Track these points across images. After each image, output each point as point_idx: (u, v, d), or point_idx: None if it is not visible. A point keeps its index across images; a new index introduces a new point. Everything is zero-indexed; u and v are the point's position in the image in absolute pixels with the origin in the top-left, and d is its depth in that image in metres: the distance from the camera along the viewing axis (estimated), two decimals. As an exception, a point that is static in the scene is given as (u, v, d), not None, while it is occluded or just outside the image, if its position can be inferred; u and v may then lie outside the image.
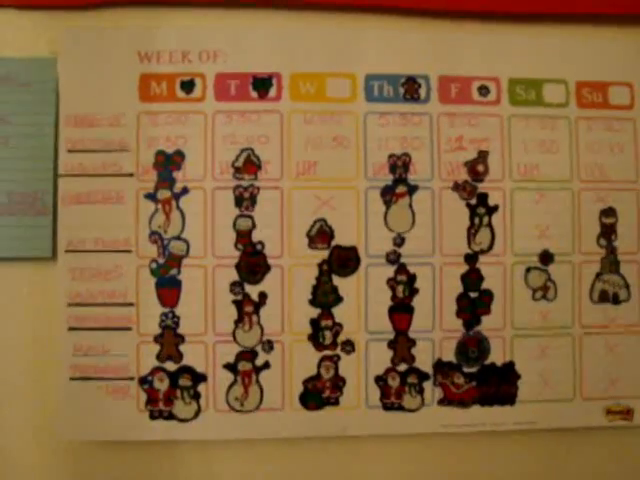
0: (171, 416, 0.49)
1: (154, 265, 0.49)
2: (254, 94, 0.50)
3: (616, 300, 0.51)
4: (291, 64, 0.50)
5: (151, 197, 0.50)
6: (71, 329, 0.48)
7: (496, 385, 0.50)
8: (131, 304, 0.49)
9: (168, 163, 0.50)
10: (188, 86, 0.50)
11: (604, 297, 0.51)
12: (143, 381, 0.49)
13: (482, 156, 0.51)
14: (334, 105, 0.50)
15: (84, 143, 0.49)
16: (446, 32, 0.52)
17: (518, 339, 0.51)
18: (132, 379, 0.49)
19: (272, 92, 0.50)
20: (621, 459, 0.52)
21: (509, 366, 0.51)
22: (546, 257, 0.51)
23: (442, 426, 0.50)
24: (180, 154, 0.50)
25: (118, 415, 0.49)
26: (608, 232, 0.51)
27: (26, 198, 0.49)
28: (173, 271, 0.49)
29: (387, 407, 0.50)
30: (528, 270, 0.51)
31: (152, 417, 0.49)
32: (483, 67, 0.51)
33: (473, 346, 0.50)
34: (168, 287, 0.49)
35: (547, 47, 0.52)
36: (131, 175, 0.49)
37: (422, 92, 0.51)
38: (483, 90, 0.51)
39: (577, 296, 0.51)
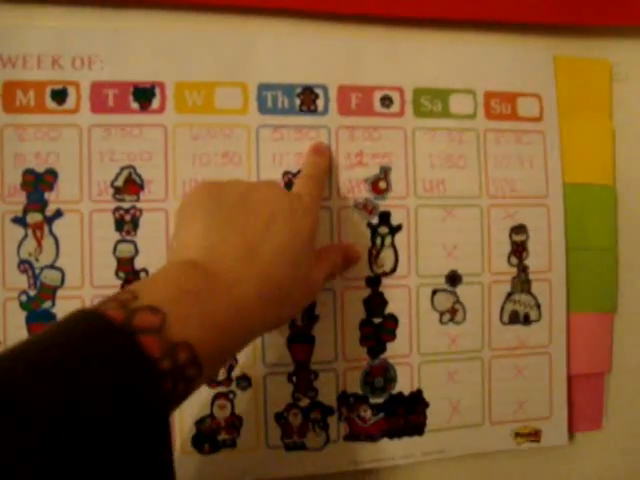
0: None
1: (24, 297, 0.44)
2: (135, 105, 0.45)
3: (527, 320, 0.49)
4: (176, 72, 0.45)
5: (19, 221, 0.44)
6: None
7: (404, 416, 0.47)
8: (-2, 342, 0.44)
9: (38, 183, 0.44)
10: (60, 96, 0.45)
11: (514, 318, 0.49)
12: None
13: (384, 172, 0.47)
14: (224, 117, 0.46)
15: (-64, 162, 0.43)
16: (347, 38, 0.48)
17: (425, 365, 0.48)
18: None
19: (155, 103, 0.45)
20: (532, 483, 0.51)
21: (417, 394, 0.48)
22: (454, 278, 0.48)
23: (350, 463, 0.47)
24: (52, 173, 0.44)
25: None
26: (519, 250, 0.49)
27: None
28: (46, 304, 0.44)
29: (289, 447, 0.46)
30: (434, 292, 0.48)
31: None
32: (386, 76, 0.48)
33: (379, 375, 0.47)
34: (41, 322, 0.44)
35: (454, 55, 0.49)
36: (-6, 197, 0.44)
37: (320, 103, 0.47)
38: (386, 101, 0.48)
39: (487, 318, 0.49)
